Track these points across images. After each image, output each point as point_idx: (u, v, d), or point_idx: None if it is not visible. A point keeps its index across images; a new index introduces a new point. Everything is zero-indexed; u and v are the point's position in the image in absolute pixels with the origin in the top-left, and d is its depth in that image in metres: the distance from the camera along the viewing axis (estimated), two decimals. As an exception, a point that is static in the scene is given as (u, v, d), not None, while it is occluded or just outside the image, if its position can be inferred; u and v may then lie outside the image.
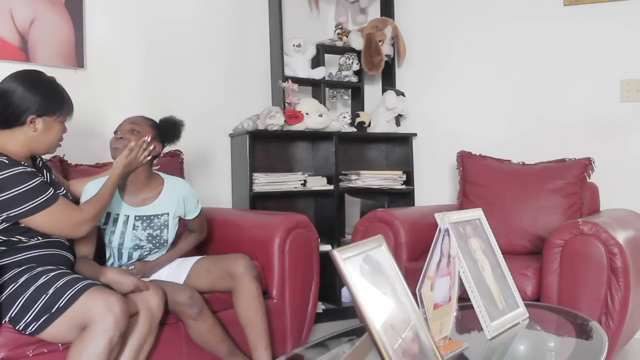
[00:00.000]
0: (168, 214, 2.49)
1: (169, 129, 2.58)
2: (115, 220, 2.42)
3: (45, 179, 2.20)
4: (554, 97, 3.65)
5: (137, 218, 2.44)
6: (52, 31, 3.05)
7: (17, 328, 2.00)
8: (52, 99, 2.16)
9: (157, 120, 2.58)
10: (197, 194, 2.62)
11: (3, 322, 2.01)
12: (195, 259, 2.60)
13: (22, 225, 2.07)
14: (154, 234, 2.46)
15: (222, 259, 2.51)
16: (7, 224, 2.05)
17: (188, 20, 3.61)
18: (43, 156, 2.34)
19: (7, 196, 1.99)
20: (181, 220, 2.60)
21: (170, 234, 2.52)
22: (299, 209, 3.84)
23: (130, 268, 2.44)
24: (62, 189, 2.31)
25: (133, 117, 2.52)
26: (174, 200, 2.51)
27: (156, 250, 2.51)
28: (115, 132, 2.45)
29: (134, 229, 2.43)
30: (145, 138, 2.40)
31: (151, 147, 2.42)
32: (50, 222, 2.08)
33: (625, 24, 3.49)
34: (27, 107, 2.10)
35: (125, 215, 2.43)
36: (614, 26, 3.51)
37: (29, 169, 2.07)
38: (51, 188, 2.10)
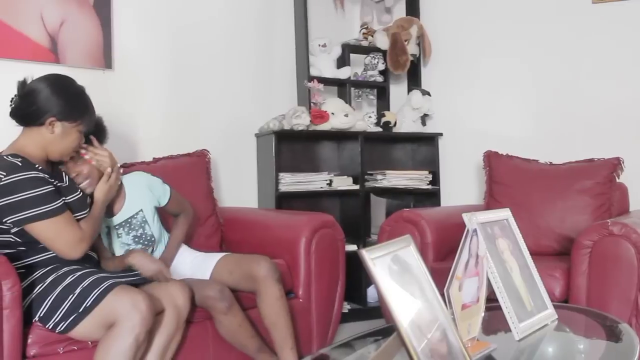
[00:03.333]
0: (142, 210, 2.50)
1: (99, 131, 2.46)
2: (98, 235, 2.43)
3: (61, 185, 2.19)
4: (582, 96, 3.61)
5: (116, 227, 2.45)
6: (80, 33, 3.08)
7: (46, 327, 2.03)
8: (75, 106, 2.17)
9: None
10: (159, 178, 2.60)
11: (33, 320, 2.04)
12: (218, 256, 2.62)
13: None
14: (138, 234, 2.48)
15: (244, 261, 2.52)
16: (18, 229, 2.05)
17: (214, 21, 3.63)
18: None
19: (14, 199, 2.00)
20: (162, 212, 2.62)
21: (153, 229, 2.53)
22: (325, 208, 3.84)
23: None
24: (79, 192, 2.28)
25: None
26: (140, 194, 2.51)
27: (148, 249, 2.51)
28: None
29: (118, 237, 2.45)
30: (108, 170, 2.33)
31: (121, 170, 2.40)
32: (52, 234, 2.05)
33: (655, 21, 3.44)
34: (49, 109, 2.11)
35: (106, 227, 2.44)
36: (644, 23, 3.46)
37: (41, 175, 2.06)
38: (61, 199, 2.10)
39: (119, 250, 2.45)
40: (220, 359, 2.44)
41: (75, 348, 2.07)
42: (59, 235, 2.06)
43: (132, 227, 2.47)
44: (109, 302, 1.97)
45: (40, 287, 2.06)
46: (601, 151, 3.24)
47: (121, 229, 2.46)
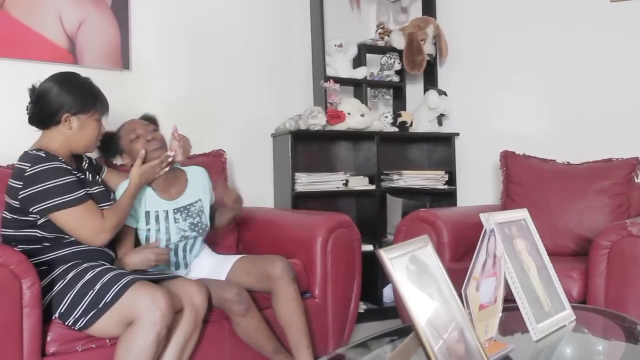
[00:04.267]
0: (200, 199, 2.60)
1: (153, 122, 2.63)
2: (157, 218, 2.48)
3: (84, 178, 2.26)
4: (600, 95, 3.57)
5: (175, 211, 2.52)
6: (98, 34, 3.11)
7: (66, 323, 2.06)
8: (85, 97, 2.22)
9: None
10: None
11: (53, 317, 2.07)
12: (234, 258, 2.63)
13: None
14: (195, 222, 2.55)
15: (259, 261, 2.53)
16: (44, 219, 2.11)
17: (231, 22, 3.64)
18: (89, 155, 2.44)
19: (38, 189, 2.06)
20: None
21: (208, 219, 2.61)
22: (341, 208, 3.84)
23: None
24: (101, 185, 2.36)
25: (134, 120, 2.55)
26: (201, 187, 2.64)
27: (200, 237, 2.59)
28: (134, 139, 2.45)
29: (175, 222, 2.50)
30: (169, 153, 2.45)
31: (170, 159, 2.45)
32: (73, 222, 2.11)
33: (675, 20, 3.40)
34: (61, 106, 2.17)
35: (164, 211, 2.50)
36: (663, 22, 3.43)
37: (63, 166, 2.13)
38: (84, 189, 2.16)
39: (174, 235, 2.50)
40: (237, 358, 2.45)
41: (94, 346, 2.09)
42: (82, 223, 2.12)
43: (190, 214, 2.55)
44: (129, 298, 2.00)
45: (60, 284, 2.09)
46: (619, 151, 3.21)
47: (179, 214, 2.53)
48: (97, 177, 2.44)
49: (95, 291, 2.03)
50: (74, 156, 2.32)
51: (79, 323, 2.03)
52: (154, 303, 1.97)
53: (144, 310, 1.97)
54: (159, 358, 2.09)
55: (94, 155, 2.54)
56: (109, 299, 2.00)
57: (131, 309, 1.98)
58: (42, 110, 2.19)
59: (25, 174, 2.08)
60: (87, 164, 2.41)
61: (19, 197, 2.09)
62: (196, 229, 2.56)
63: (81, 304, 2.03)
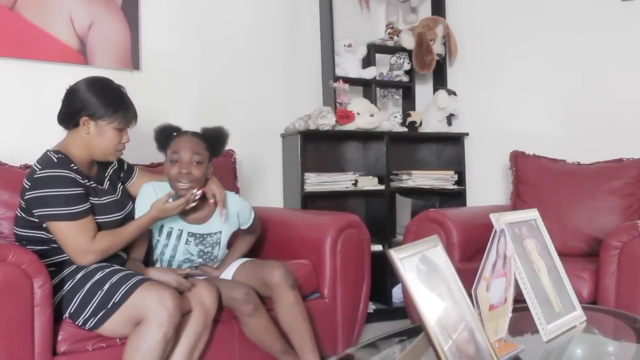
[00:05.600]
0: (221, 232, 2.48)
1: (218, 143, 2.46)
2: (169, 234, 2.42)
3: (96, 187, 2.23)
4: (610, 95, 3.55)
5: (190, 234, 2.43)
6: (109, 34, 3.12)
7: (76, 323, 2.07)
8: (107, 104, 2.19)
9: (202, 130, 2.44)
10: (249, 205, 2.58)
11: (64, 317, 2.08)
12: (239, 261, 2.61)
13: None
14: (205, 251, 2.47)
15: (258, 268, 2.50)
16: (44, 224, 2.11)
17: (241, 22, 3.65)
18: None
19: (41, 194, 2.06)
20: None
21: (221, 252, 2.52)
22: (350, 208, 3.84)
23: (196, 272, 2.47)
24: (117, 195, 2.33)
25: (189, 138, 2.35)
26: (228, 218, 2.47)
27: (205, 264, 2.52)
28: (174, 161, 2.30)
29: (186, 243, 2.44)
30: (195, 191, 2.25)
31: (197, 197, 2.27)
32: (63, 236, 2.08)
33: (686, 19, 3.38)
34: (81, 107, 2.16)
35: (179, 230, 2.42)
36: (675, 21, 3.40)
37: (71, 175, 2.11)
38: (86, 204, 2.13)
39: (180, 255, 2.44)
40: (246, 358, 2.45)
41: (104, 345, 2.10)
42: (70, 239, 2.09)
43: (204, 243, 2.46)
44: (137, 298, 2.00)
45: (70, 284, 2.10)
46: (630, 151, 3.20)
47: (193, 238, 2.44)
48: (120, 184, 2.41)
49: (104, 291, 2.04)
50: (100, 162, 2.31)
51: (89, 323, 2.04)
52: (162, 304, 1.98)
53: (151, 311, 1.97)
54: (169, 357, 2.10)
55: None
56: (117, 299, 2.01)
57: (139, 309, 1.99)
58: (66, 109, 2.20)
59: (34, 176, 2.08)
60: (112, 170, 2.39)
61: (25, 197, 2.10)
62: (204, 257, 2.47)
63: (90, 304, 2.04)
